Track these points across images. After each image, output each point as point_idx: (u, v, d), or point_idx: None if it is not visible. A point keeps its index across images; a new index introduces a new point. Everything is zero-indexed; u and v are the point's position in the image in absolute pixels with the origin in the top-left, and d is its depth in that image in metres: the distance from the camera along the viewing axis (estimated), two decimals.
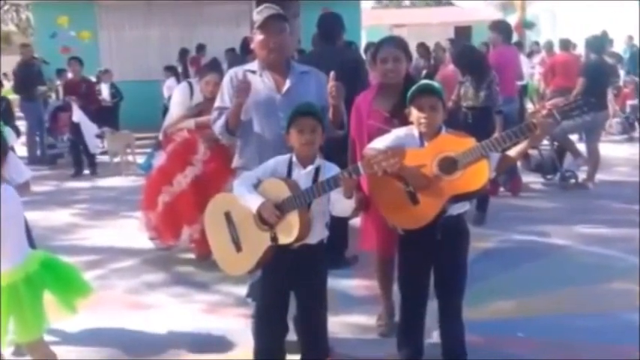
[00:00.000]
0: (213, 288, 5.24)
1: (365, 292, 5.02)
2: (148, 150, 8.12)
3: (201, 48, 15.18)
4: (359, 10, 17.46)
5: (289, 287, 3.37)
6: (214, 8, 16.23)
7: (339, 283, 4.96)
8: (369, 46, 12.24)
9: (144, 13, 16.34)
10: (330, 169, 3.22)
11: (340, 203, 3.18)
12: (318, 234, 3.31)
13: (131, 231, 6.44)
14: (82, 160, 10.78)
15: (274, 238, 3.20)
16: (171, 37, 16.46)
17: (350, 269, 5.47)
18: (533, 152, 8.39)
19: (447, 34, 23.48)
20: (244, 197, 3.26)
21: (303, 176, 3.23)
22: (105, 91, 13.54)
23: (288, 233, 3.16)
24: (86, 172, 10.75)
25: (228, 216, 3.39)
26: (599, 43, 9.01)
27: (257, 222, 3.24)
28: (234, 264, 3.44)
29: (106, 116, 12.20)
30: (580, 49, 12.79)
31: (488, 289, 4.88)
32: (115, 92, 13.72)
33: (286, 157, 3.32)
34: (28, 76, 11.74)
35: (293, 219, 3.14)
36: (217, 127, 3.80)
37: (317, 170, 3.24)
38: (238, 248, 3.35)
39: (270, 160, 3.37)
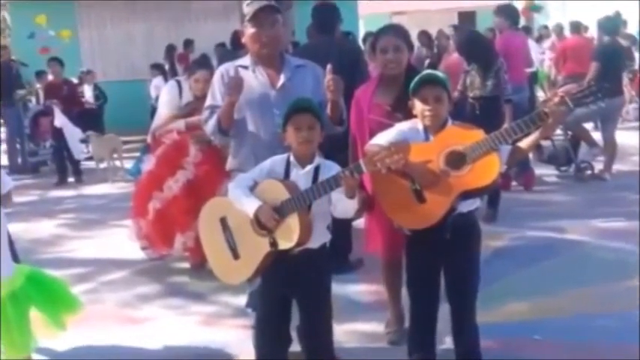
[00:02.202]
0: (210, 298, 5.24)
1: (372, 298, 5.02)
2: (136, 154, 8.12)
3: (188, 44, 15.18)
4: None
5: (291, 295, 3.38)
6: (202, 1, 16.24)
7: (343, 288, 4.96)
8: (367, 35, 12.23)
9: (127, 9, 16.34)
10: (331, 168, 3.22)
11: (342, 204, 3.17)
12: (320, 237, 3.31)
13: (121, 241, 6.42)
14: (66, 167, 10.77)
15: (273, 244, 3.19)
16: (157, 33, 16.47)
17: (355, 274, 5.47)
18: (545, 143, 8.38)
19: (450, 20, 23.45)
20: (240, 201, 3.26)
21: (301, 176, 3.23)
22: (88, 92, 13.54)
23: (288, 238, 3.15)
24: (71, 179, 10.74)
25: (223, 221, 3.38)
26: (613, 25, 9.01)
27: (254, 227, 3.23)
28: (231, 272, 3.44)
29: (90, 119, 12.21)
30: (592, 32, 12.78)
31: (502, 290, 4.89)
32: (99, 94, 13.73)
33: (283, 156, 3.32)
34: (5, 80, 11.72)
35: (293, 222, 3.13)
36: (209, 127, 3.80)
37: (316, 170, 3.24)
38: (235, 255, 3.35)
39: (266, 161, 3.37)
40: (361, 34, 15.41)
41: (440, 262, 3.45)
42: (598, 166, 8.58)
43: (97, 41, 16.58)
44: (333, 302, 3.44)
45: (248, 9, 3.68)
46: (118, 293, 5.54)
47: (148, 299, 5.38)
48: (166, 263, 6.09)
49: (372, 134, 3.65)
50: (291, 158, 3.28)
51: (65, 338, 4.17)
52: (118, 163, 10.93)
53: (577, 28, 11.75)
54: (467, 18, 26.38)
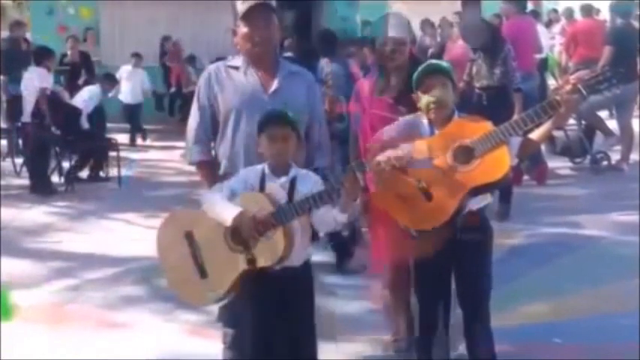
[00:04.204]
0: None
1: (375, 313, 4.78)
2: None
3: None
4: (387, 3, 17.21)
5: (273, 318, 3.21)
6: None
7: (343, 306, 4.88)
8: (365, 25, 12.14)
9: None
10: (308, 179, 3.16)
11: (327, 216, 3.06)
12: (303, 253, 3.20)
13: (114, 236, 6.30)
14: None
15: (252, 261, 3.06)
16: (181, 18, 16.12)
17: (358, 289, 5.31)
18: (558, 134, 8.31)
19: (452, 7, 23.55)
20: (217, 207, 3.13)
21: (276, 188, 3.13)
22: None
23: (271, 254, 3.02)
24: None
25: (189, 236, 3.23)
26: (625, 7, 8.94)
27: (229, 242, 3.11)
28: (197, 293, 3.28)
29: None
30: (604, 14, 12.64)
31: (517, 291, 4.85)
32: None
33: (258, 167, 3.24)
34: (11, 56, 11.26)
35: (277, 237, 3.00)
36: (193, 153, 3.68)
37: (292, 181, 3.15)
38: (203, 274, 3.20)
39: (240, 171, 3.32)
40: (358, 21, 15.41)
41: (450, 264, 3.39)
42: (615, 157, 8.55)
43: (118, 23, 16.12)
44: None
45: (241, 7, 3.56)
46: (102, 292, 5.36)
47: (133, 301, 5.20)
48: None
49: (374, 129, 3.58)
50: (266, 169, 3.20)
51: (38, 340, 4.07)
52: None
53: (588, 10, 11.60)
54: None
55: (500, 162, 3.08)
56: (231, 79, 3.60)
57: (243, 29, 3.56)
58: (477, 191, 3.17)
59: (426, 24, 14.31)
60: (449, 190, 3.12)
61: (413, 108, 3.38)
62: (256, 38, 3.52)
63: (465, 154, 3.10)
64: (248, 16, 3.52)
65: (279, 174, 3.16)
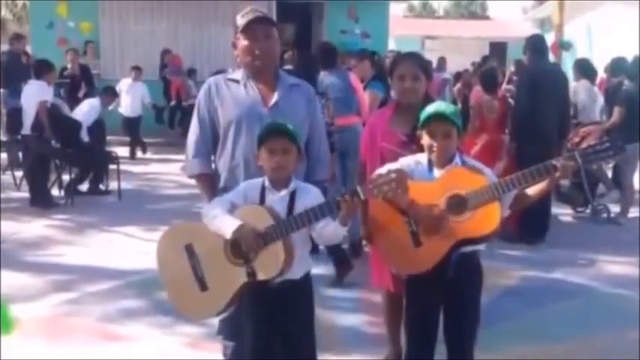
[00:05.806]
0: None
1: (372, 330, 4.93)
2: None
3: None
4: (387, 16, 17.60)
5: (274, 331, 3.29)
6: (230, 1, 15.84)
7: (344, 318, 4.97)
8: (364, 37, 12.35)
9: (152, 6, 16.32)
10: (308, 193, 3.23)
11: (327, 228, 3.12)
12: (302, 266, 3.26)
13: (114, 249, 6.36)
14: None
15: (251, 274, 3.12)
16: (181, 33, 16.51)
17: (355, 301, 5.47)
18: (563, 182, 8.37)
19: (482, 48, 24.52)
20: (217, 220, 3.18)
21: (276, 201, 3.20)
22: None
23: (271, 267, 3.07)
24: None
25: (189, 249, 3.27)
26: (630, 68, 9.15)
27: (229, 255, 3.16)
28: (198, 306, 3.32)
29: None
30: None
31: (507, 331, 4.92)
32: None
33: (259, 180, 3.28)
34: (11, 69, 11.58)
35: (277, 250, 3.06)
36: (192, 166, 3.73)
37: (292, 194, 3.21)
38: (203, 287, 3.25)
39: (240, 184, 3.37)
40: (358, 34, 15.69)
41: (439, 302, 3.47)
42: (614, 209, 8.65)
43: (118, 37, 16.46)
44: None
45: (242, 20, 3.61)
46: (102, 306, 5.45)
47: (134, 315, 5.28)
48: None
49: (383, 163, 3.61)
50: (266, 183, 3.25)
51: (39, 353, 4.17)
52: None
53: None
54: (498, 48, 27.01)
55: (491, 218, 3.17)
56: (231, 92, 3.63)
57: (243, 42, 3.60)
58: (465, 243, 3.24)
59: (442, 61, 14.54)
60: (439, 238, 3.21)
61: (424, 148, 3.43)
62: (256, 51, 3.56)
63: (459, 205, 3.18)
64: (248, 30, 3.56)
65: (279, 187, 3.21)
